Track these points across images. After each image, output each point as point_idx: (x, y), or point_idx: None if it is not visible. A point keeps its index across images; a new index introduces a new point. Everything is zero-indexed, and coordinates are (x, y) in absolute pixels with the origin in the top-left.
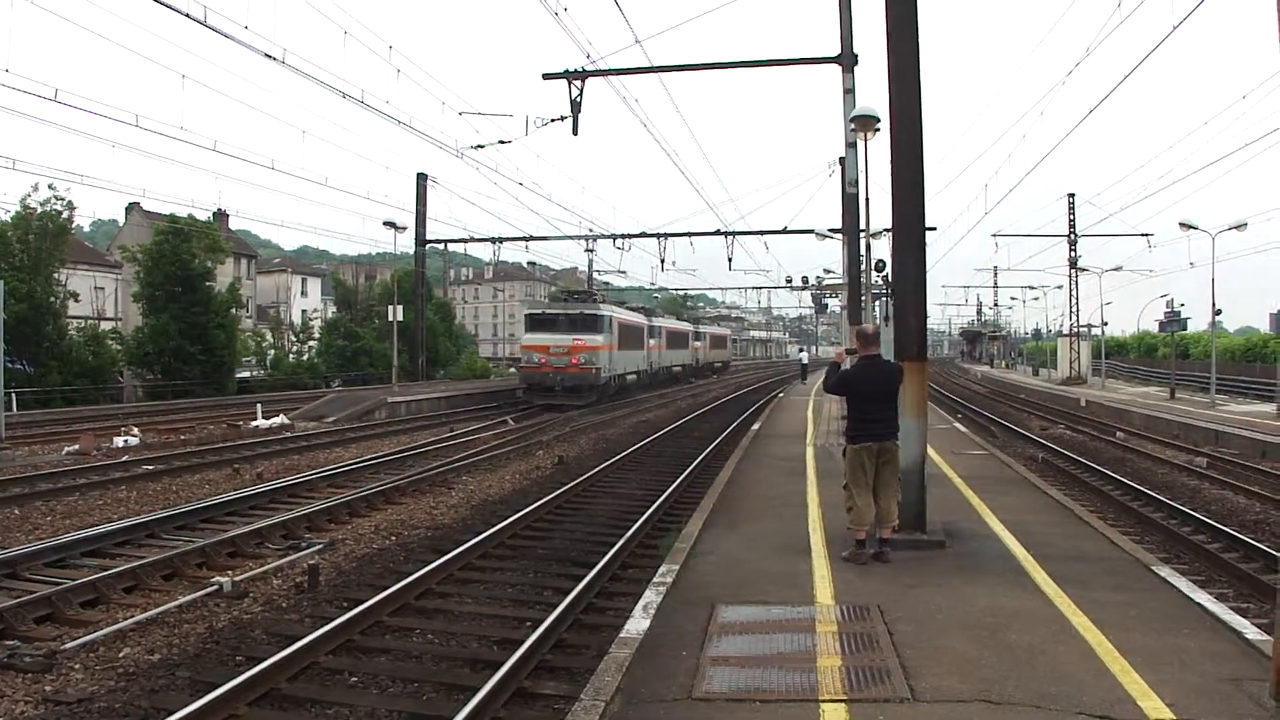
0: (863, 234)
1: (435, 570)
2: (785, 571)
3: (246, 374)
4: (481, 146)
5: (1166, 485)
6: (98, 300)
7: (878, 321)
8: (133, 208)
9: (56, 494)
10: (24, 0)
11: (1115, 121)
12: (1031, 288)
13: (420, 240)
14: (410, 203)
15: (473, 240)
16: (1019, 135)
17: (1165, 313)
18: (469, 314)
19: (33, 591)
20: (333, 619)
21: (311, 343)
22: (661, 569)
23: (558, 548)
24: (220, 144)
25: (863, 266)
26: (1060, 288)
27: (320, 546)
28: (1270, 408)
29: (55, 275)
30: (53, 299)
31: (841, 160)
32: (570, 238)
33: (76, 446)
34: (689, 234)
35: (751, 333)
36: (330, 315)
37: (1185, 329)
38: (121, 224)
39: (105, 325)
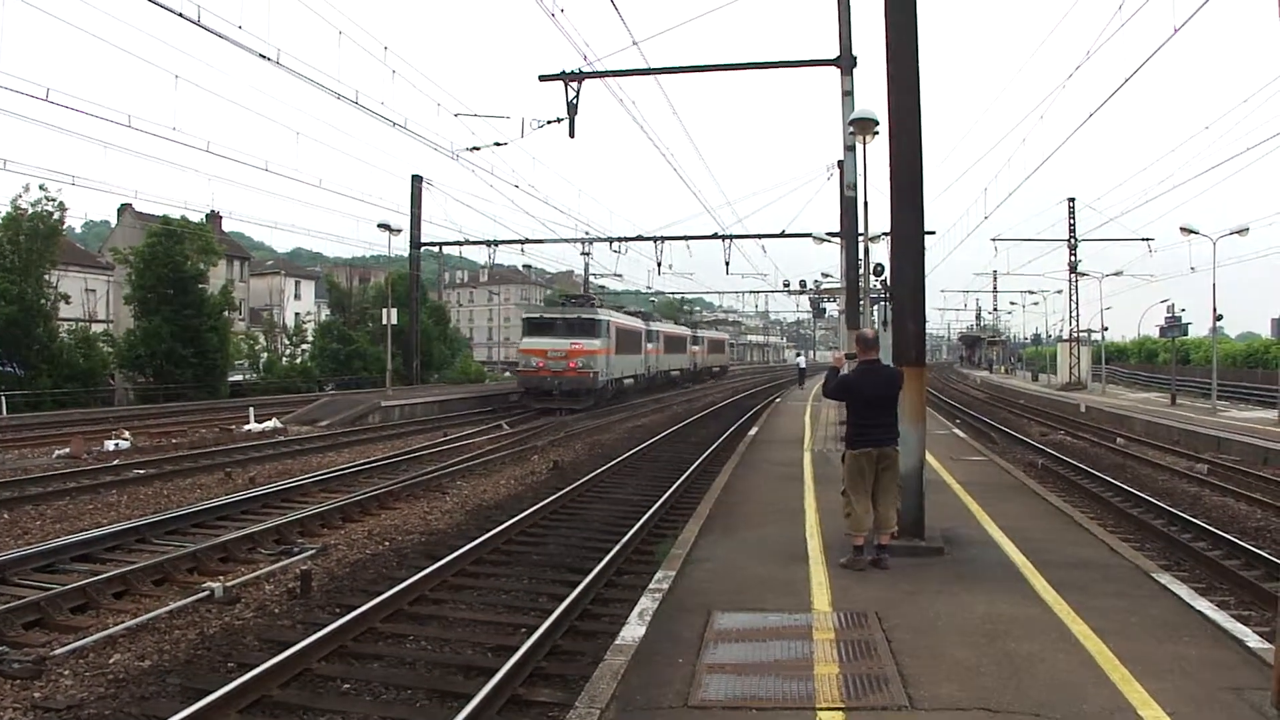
0: (861, 238)
1: (429, 576)
2: (782, 578)
3: (239, 377)
4: (477, 149)
5: (1167, 492)
6: (89, 302)
7: (876, 326)
8: (125, 209)
9: (46, 498)
10: None
11: (1116, 125)
12: (1031, 292)
13: (415, 243)
14: (405, 205)
15: (468, 243)
16: (1019, 139)
17: (1166, 318)
18: (464, 317)
19: (22, 597)
20: (325, 625)
21: (305, 346)
22: (657, 575)
23: (552, 553)
24: (213, 145)
25: (861, 270)
26: (1060, 292)
27: (313, 552)
28: (1272, 414)
29: (46, 277)
30: (43, 301)
31: (840, 163)
32: (566, 241)
33: (67, 450)
34: (686, 237)
35: (749, 337)
36: (324, 318)
37: (1186, 334)
38: (113, 225)
39: (97, 328)
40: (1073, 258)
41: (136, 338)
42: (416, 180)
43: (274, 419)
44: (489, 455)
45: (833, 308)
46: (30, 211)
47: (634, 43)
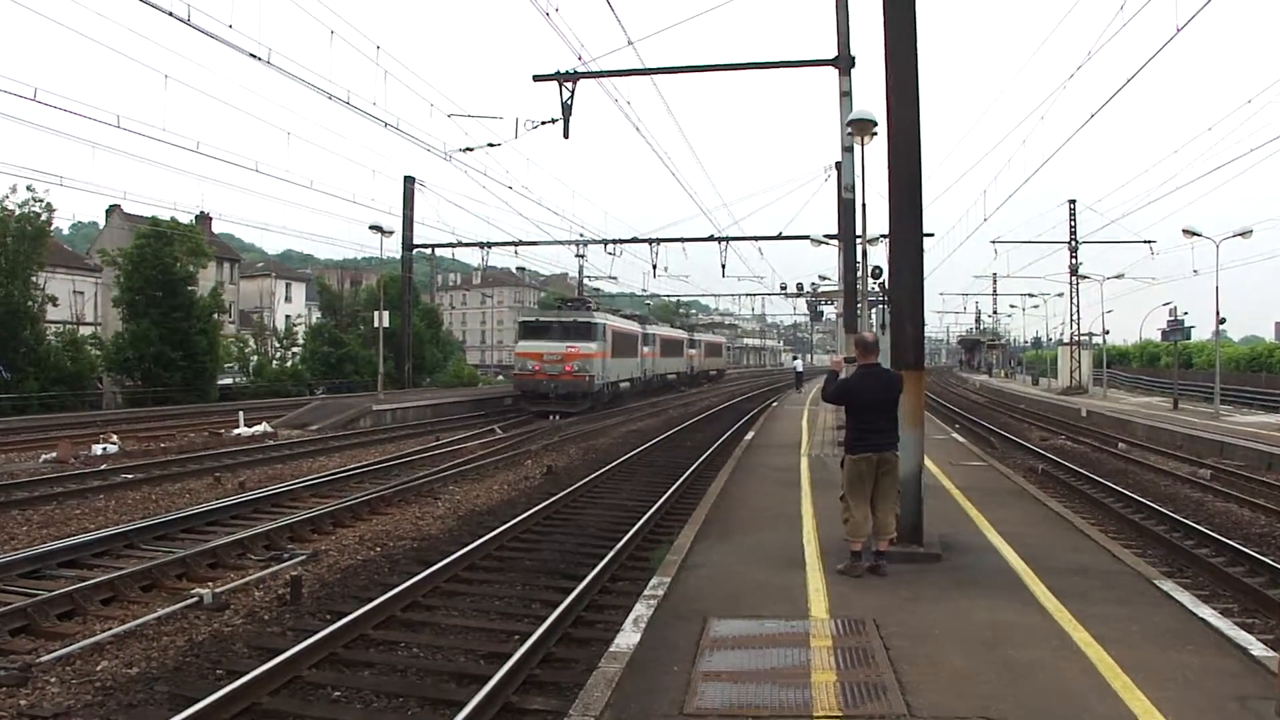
0: (859, 240)
1: (421, 582)
2: (779, 584)
3: (229, 381)
4: (470, 149)
5: (1169, 498)
6: (77, 305)
7: (874, 329)
8: (113, 210)
9: (33, 503)
10: None
11: (1117, 126)
12: (1031, 295)
13: (407, 245)
14: (397, 206)
15: (461, 245)
16: (1019, 140)
17: (1168, 321)
18: (456, 320)
19: (8, 603)
20: (316, 632)
21: (295, 349)
22: (652, 581)
23: (546, 559)
24: (203, 145)
25: (859, 273)
26: (1061, 295)
27: (303, 557)
28: (1276, 418)
29: (33, 279)
30: (30, 303)
31: (838, 165)
32: (560, 243)
33: (54, 454)
34: (681, 239)
35: (745, 340)
36: (315, 321)
37: (1189, 338)
38: (102, 227)
39: (84, 330)
40: (1074, 260)
41: (125, 340)
42: (409, 181)
43: (264, 423)
44: (482, 460)
45: (830, 311)
46: (17, 213)
47: (629, 42)
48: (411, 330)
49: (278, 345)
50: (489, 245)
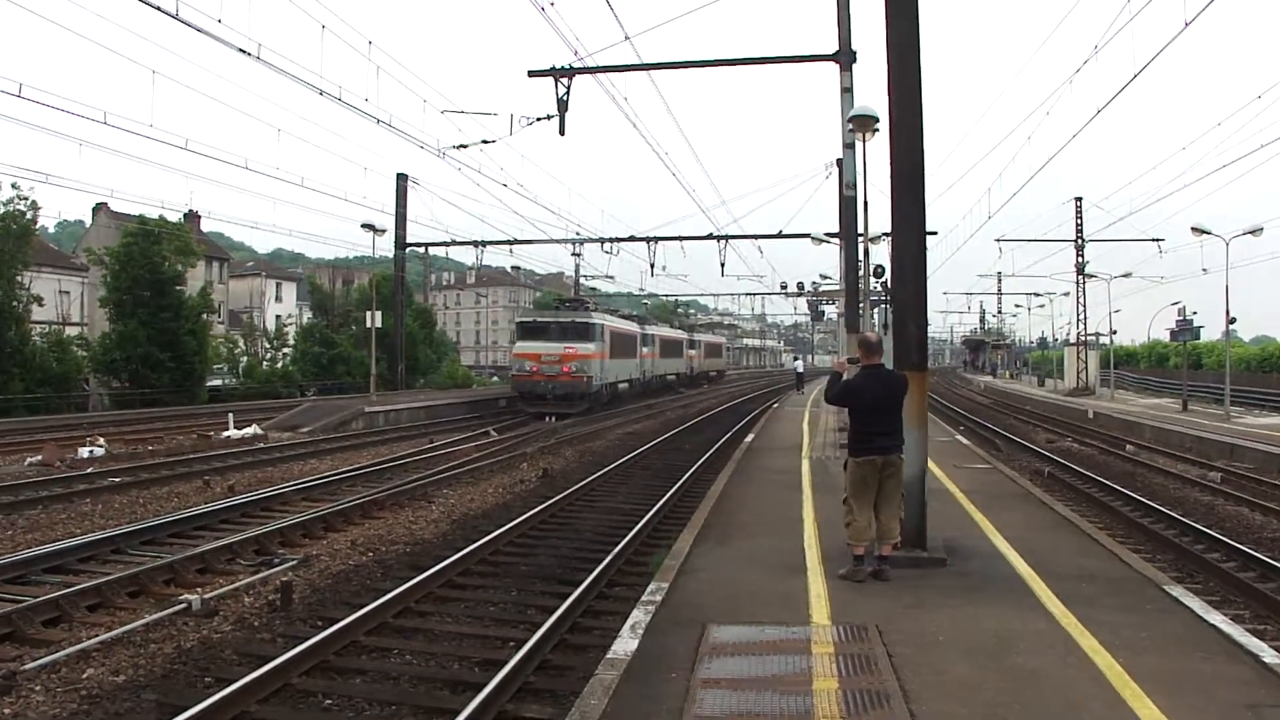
0: (861, 238)
1: (414, 588)
2: (780, 590)
3: (218, 382)
4: (464, 146)
5: (1179, 501)
6: (63, 305)
7: (877, 330)
8: (100, 208)
9: (17, 507)
10: None
11: (1124, 123)
12: (1037, 294)
13: (400, 243)
14: (390, 204)
15: (455, 243)
16: (1024, 136)
17: (1177, 321)
18: (450, 320)
19: None
20: (306, 639)
21: (286, 350)
22: (650, 587)
23: (542, 564)
24: (192, 142)
25: (861, 272)
26: (1067, 295)
27: (294, 563)
28: None
29: (18, 278)
30: (15, 303)
31: (839, 162)
32: (556, 241)
33: (39, 457)
34: (680, 238)
35: (745, 341)
36: (306, 321)
37: (1198, 338)
38: (88, 225)
39: (70, 331)
40: (1080, 259)
41: (112, 341)
42: (402, 179)
43: (254, 425)
44: (476, 463)
45: (831, 310)
46: (2, 211)
47: (626, 37)
48: (404, 331)
49: (268, 346)
50: (483, 244)
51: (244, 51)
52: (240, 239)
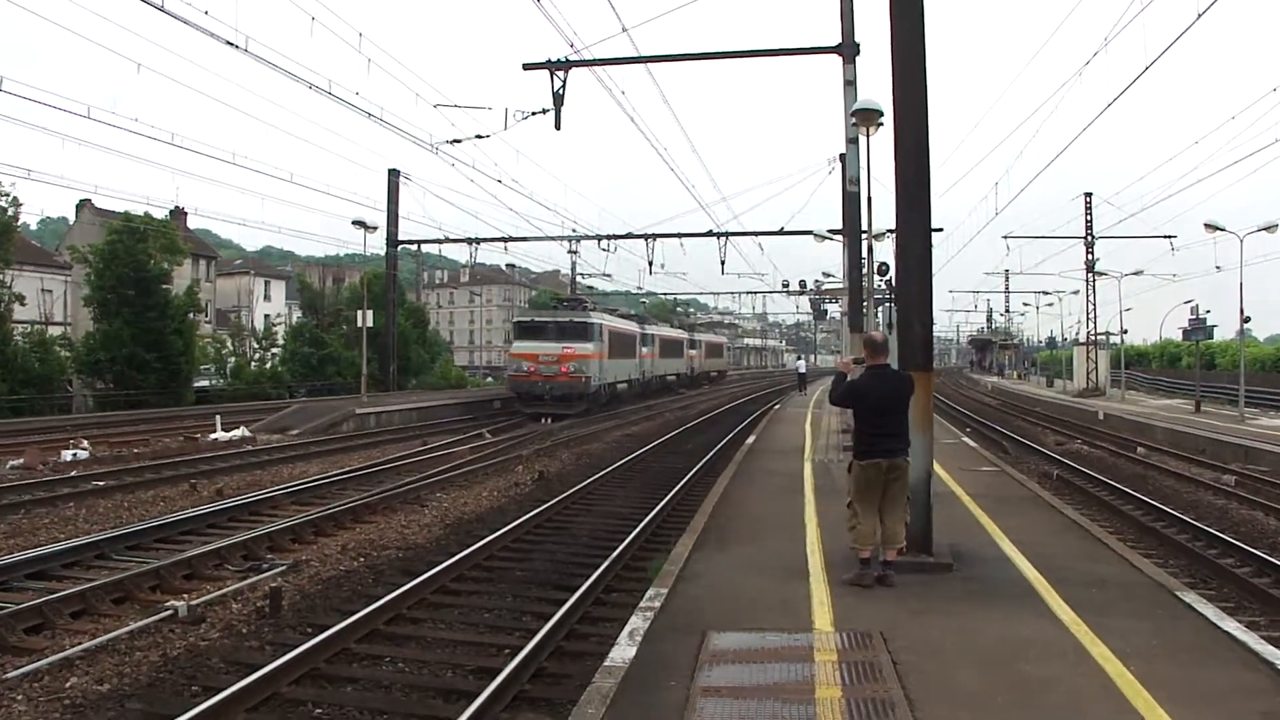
0: (864, 235)
1: (407, 594)
2: (781, 596)
3: (205, 383)
4: (458, 141)
5: (1191, 505)
6: (45, 304)
7: (881, 329)
8: (84, 205)
9: None
10: None
11: (1135, 116)
12: (1045, 293)
13: (392, 240)
14: (381, 201)
15: (448, 241)
16: (1032, 131)
17: (1190, 320)
18: (443, 319)
19: None
20: (296, 646)
21: (275, 350)
22: (649, 593)
23: (538, 570)
24: (178, 137)
25: (864, 270)
26: (1076, 293)
27: (283, 568)
28: None
29: (0, 277)
30: None
31: (842, 157)
32: (552, 238)
33: (21, 461)
34: (679, 235)
35: (746, 340)
36: (295, 320)
37: (1211, 337)
38: (71, 222)
39: (53, 330)
40: (1090, 256)
41: (96, 341)
42: (394, 174)
43: (242, 427)
44: (470, 465)
45: (835, 309)
46: None
47: (624, 29)
48: (396, 330)
49: (256, 346)
50: (477, 241)
51: (231, 44)
52: (228, 236)
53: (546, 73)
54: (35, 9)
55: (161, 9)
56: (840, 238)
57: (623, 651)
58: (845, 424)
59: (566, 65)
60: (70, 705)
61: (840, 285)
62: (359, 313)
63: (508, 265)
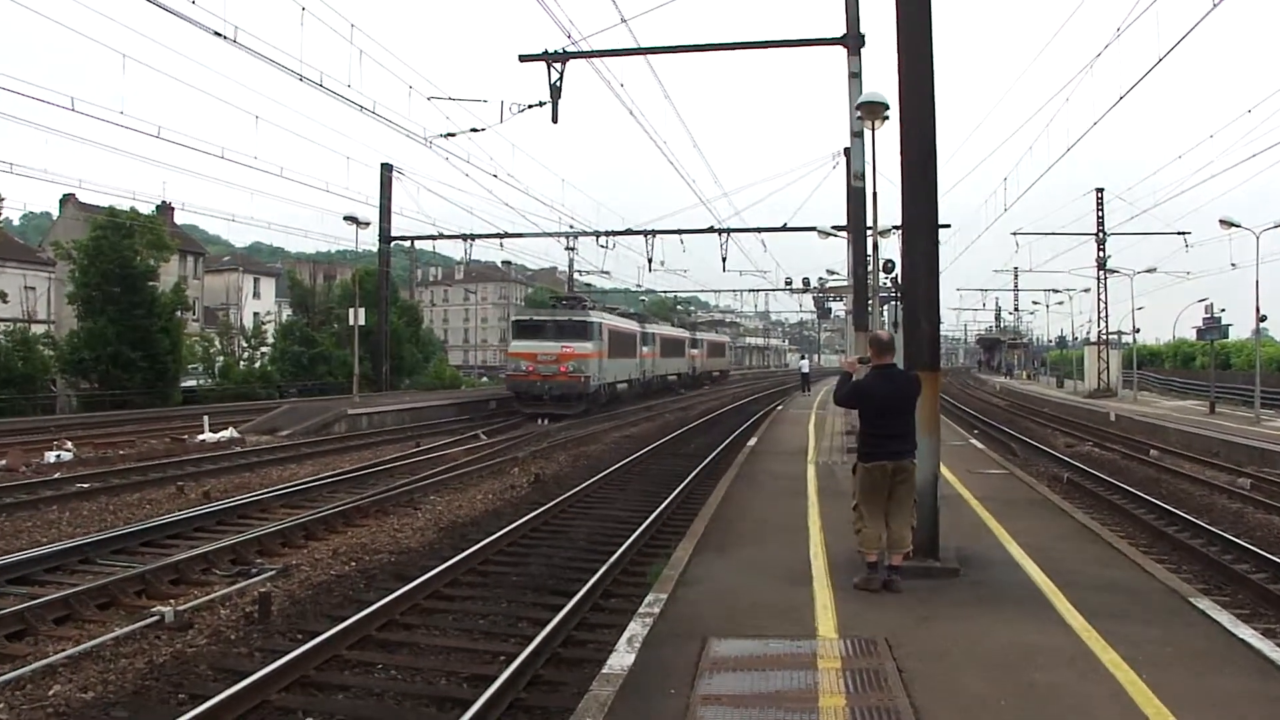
0: (869, 232)
1: (399, 599)
2: (784, 601)
3: (193, 383)
4: (452, 135)
5: (1206, 508)
6: (28, 301)
7: (887, 327)
8: (68, 199)
9: None
10: None
11: (1148, 110)
12: (1055, 291)
13: (384, 237)
14: (374, 196)
15: (442, 237)
16: (1042, 124)
17: (1204, 318)
18: (438, 317)
19: None
20: (286, 653)
21: (264, 349)
22: (648, 598)
23: (534, 574)
24: (165, 131)
25: (869, 267)
26: (1087, 291)
27: (273, 573)
28: None
29: None
30: None
31: (846, 151)
32: (549, 235)
33: (3, 462)
34: (679, 231)
35: (748, 339)
36: (285, 319)
37: (1226, 336)
38: (55, 217)
39: (36, 329)
40: (1101, 253)
41: (80, 340)
42: (386, 169)
43: (230, 428)
44: (465, 468)
45: (839, 308)
46: None
47: (622, 20)
48: (389, 329)
49: (245, 345)
50: (472, 237)
51: (219, 35)
52: (216, 232)
53: (543, 64)
54: None
55: None
56: (845, 234)
57: (621, 658)
58: (850, 425)
59: (564, 57)
60: (54, 713)
61: (845, 283)
62: (351, 311)
63: (504, 262)
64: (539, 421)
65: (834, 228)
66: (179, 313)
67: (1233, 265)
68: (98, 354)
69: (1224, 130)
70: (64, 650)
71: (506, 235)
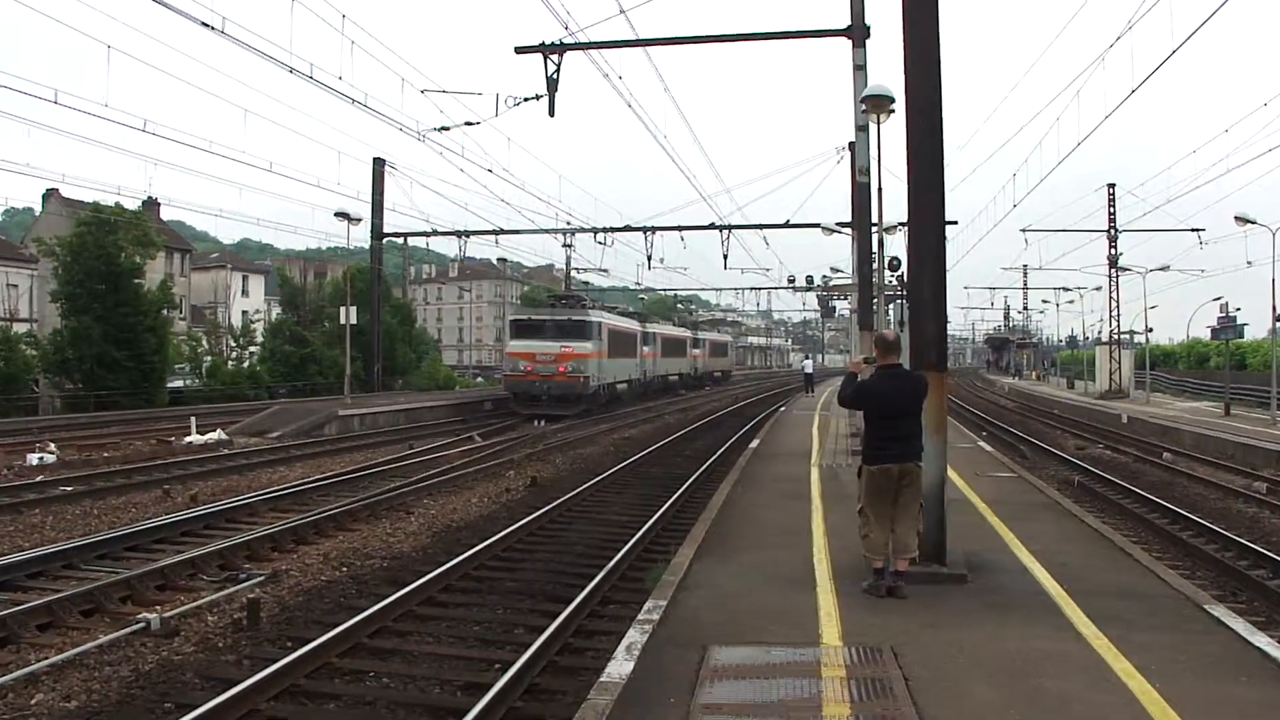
0: (875, 228)
1: (392, 605)
2: (787, 608)
3: (180, 383)
4: (446, 129)
5: (1220, 513)
6: (10, 299)
7: (893, 327)
8: (51, 195)
9: None
10: None
11: (1161, 103)
12: (1066, 289)
13: (377, 233)
14: (365, 191)
15: (436, 233)
16: (1052, 118)
17: (1219, 318)
18: (431, 316)
19: None
20: (275, 660)
21: (253, 348)
22: (647, 605)
23: (530, 580)
24: (151, 124)
25: (874, 265)
26: (1099, 289)
27: (262, 578)
28: None
29: None
30: None
31: (851, 146)
32: (546, 231)
33: None
34: (679, 228)
35: (750, 339)
36: (275, 317)
37: (1241, 336)
38: (38, 213)
39: (18, 327)
40: (1113, 250)
41: (64, 339)
42: (379, 164)
43: (218, 430)
44: (459, 470)
45: (843, 306)
46: None
47: (621, 11)
48: (382, 328)
49: (234, 344)
50: (467, 234)
51: (207, 25)
52: (204, 228)
53: (540, 56)
54: None
55: None
56: (849, 231)
57: (619, 666)
58: (854, 427)
59: (561, 48)
60: None
61: (849, 281)
62: (342, 309)
63: (499, 259)
64: (536, 423)
65: (838, 224)
66: (165, 311)
67: (1249, 263)
68: (81, 353)
69: (1239, 124)
70: (47, 658)
71: (502, 231)
